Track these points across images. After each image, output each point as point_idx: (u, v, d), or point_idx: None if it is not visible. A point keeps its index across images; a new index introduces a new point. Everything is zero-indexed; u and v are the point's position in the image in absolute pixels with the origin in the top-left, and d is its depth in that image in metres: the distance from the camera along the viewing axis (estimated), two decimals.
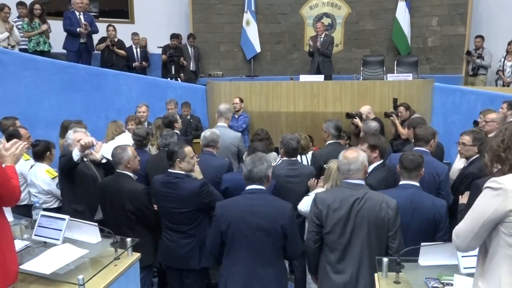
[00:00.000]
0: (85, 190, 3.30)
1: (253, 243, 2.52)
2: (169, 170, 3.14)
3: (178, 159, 3.07)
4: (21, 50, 6.92)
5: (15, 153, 2.37)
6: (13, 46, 6.81)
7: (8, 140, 3.33)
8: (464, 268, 2.17)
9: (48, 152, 3.75)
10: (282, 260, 2.65)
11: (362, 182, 2.56)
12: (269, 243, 2.51)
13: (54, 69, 6.32)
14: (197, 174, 3.18)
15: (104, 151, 4.01)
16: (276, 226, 2.50)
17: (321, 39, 8.04)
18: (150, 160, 4.00)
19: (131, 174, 3.32)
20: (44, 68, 6.27)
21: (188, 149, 3.10)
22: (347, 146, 4.93)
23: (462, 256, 2.17)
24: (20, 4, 7.17)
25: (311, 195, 3.25)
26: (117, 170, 3.32)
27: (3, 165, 2.25)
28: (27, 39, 7.06)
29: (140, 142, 4.24)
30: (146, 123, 5.59)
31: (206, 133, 3.95)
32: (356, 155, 2.56)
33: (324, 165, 3.41)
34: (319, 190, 3.28)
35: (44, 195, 3.63)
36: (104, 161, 3.64)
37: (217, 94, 6.90)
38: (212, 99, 7.07)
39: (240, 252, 2.56)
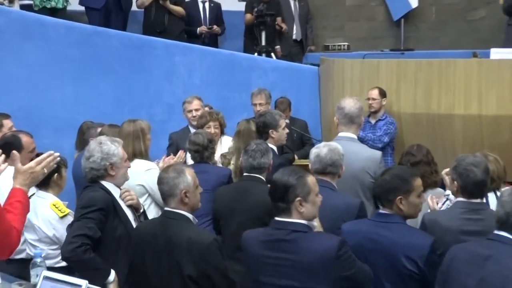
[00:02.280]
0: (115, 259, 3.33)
1: None
2: (276, 218, 3.03)
3: (299, 199, 2.90)
4: (22, 7, 6.98)
5: (35, 170, 2.39)
6: (11, 2, 6.88)
7: (3, 150, 3.23)
8: None
9: (56, 174, 3.72)
10: None
11: None
12: None
13: (71, 38, 6.27)
14: (318, 227, 3.12)
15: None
16: None
17: None
18: (222, 194, 3.96)
19: (189, 216, 3.22)
20: (57, 36, 6.22)
21: (311, 179, 2.98)
22: None
23: None
24: None
25: None
26: (166, 208, 3.26)
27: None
28: None
29: (199, 154, 4.27)
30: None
31: (320, 150, 3.80)
32: None
33: None
34: None
35: (47, 244, 3.59)
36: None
37: (338, 82, 6.49)
38: (329, 89, 6.71)
39: None
